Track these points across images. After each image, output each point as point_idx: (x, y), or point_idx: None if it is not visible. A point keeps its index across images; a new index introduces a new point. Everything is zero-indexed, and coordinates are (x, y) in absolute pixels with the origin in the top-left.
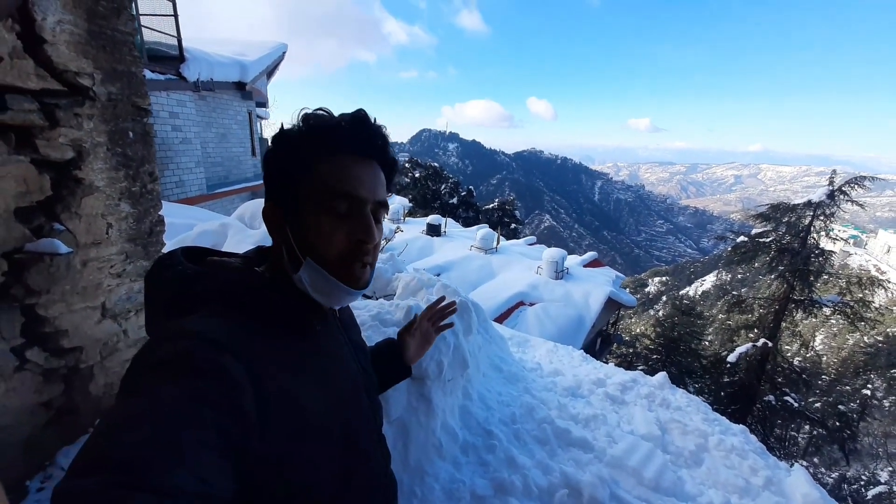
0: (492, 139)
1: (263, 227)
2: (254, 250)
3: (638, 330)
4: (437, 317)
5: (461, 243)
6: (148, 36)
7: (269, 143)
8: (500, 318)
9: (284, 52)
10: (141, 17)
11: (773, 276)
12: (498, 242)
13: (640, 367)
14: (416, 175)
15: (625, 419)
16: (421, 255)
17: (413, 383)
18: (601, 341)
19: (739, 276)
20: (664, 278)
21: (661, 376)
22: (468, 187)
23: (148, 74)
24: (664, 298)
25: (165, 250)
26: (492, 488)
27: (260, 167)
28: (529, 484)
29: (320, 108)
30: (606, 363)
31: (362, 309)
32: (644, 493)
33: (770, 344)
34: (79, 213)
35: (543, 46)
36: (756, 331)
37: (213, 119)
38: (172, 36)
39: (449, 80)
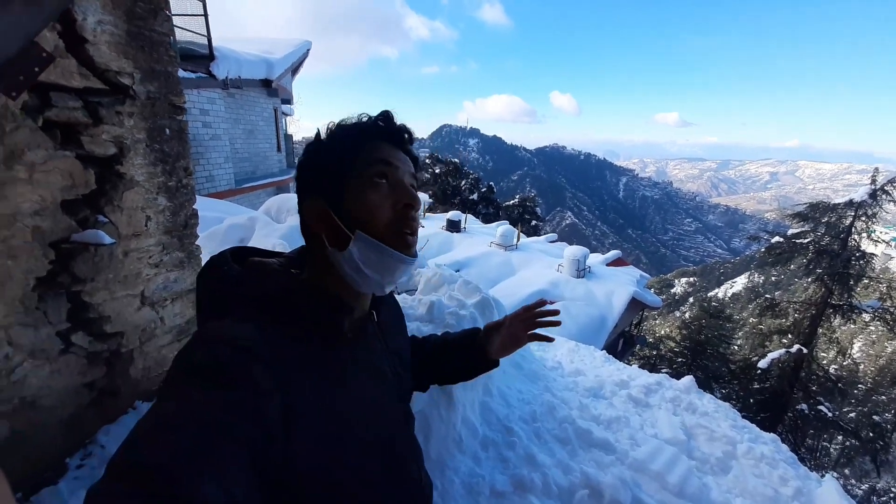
0: (513, 135)
1: (289, 221)
2: (296, 251)
3: (663, 332)
4: (532, 321)
5: (481, 240)
6: (180, 35)
7: (310, 143)
8: None
9: (308, 50)
10: (173, 17)
11: (810, 279)
12: (518, 239)
13: (663, 370)
14: (437, 171)
15: (648, 422)
16: (441, 250)
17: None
18: (624, 342)
19: (773, 278)
20: (692, 279)
21: (688, 380)
22: (489, 183)
23: (180, 73)
24: (691, 300)
25: (199, 242)
26: (511, 485)
27: (284, 163)
28: (549, 483)
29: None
30: (629, 365)
31: None
32: (667, 498)
33: (805, 350)
34: (121, 206)
35: (567, 39)
36: (790, 336)
37: (240, 116)
38: (203, 35)
39: (470, 75)
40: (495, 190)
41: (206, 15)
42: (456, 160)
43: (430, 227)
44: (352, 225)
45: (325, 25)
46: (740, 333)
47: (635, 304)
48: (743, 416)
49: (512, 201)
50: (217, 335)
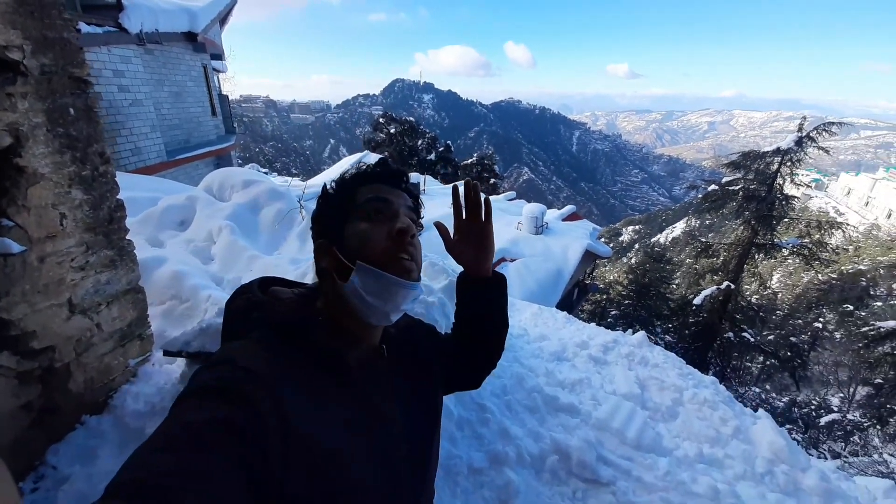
0: (468, 89)
1: (234, 199)
2: (317, 283)
3: (612, 277)
4: (472, 208)
5: (441, 201)
6: None
7: (319, 196)
8: None
9: None
10: None
11: (738, 222)
12: None
13: (612, 312)
14: (392, 131)
15: (607, 379)
16: None
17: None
18: (578, 291)
19: (707, 222)
20: (637, 227)
21: (641, 335)
22: (446, 142)
23: (84, 28)
24: (637, 247)
25: (131, 226)
26: (487, 460)
27: (222, 128)
28: (522, 453)
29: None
30: (582, 311)
31: None
32: (627, 452)
33: (732, 286)
34: (26, 206)
35: None
36: (720, 274)
37: (164, 76)
38: None
39: (421, 24)
40: (453, 149)
41: None
42: (411, 118)
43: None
44: (352, 257)
45: None
46: (678, 274)
47: (589, 256)
48: (679, 347)
49: (470, 160)
50: (223, 356)
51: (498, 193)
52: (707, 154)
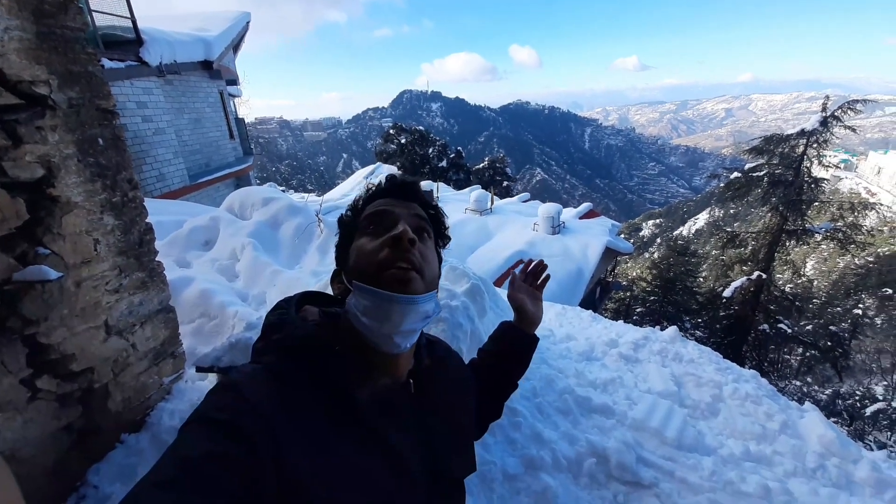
0: (476, 94)
1: (255, 217)
2: None
3: (634, 274)
4: (532, 277)
5: (455, 207)
6: (100, 21)
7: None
8: (501, 279)
9: (248, 22)
10: (89, 0)
11: (766, 209)
12: (492, 203)
13: (637, 310)
14: (402, 141)
15: (640, 378)
16: None
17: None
18: (601, 290)
19: (732, 211)
20: (658, 221)
21: (672, 330)
22: (456, 148)
23: (107, 63)
24: (658, 241)
25: (160, 248)
26: (522, 465)
27: (240, 150)
28: (558, 457)
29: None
30: (605, 310)
31: None
32: (668, 452)
33: (764, 276)
34: (62, 234)
35: None
36: (750, 264)
37: (183, 104)
38: (126, 17)
39: (425, 35)
40: (464, 154)
41: None
42: (420, 128)
43: None
44: (350, 276)
45: None
46: (705, 266)
47: (609, 253)
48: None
49: (482, 164)
50: (231, 382)
51: (511, 196)
52: (726, 142)
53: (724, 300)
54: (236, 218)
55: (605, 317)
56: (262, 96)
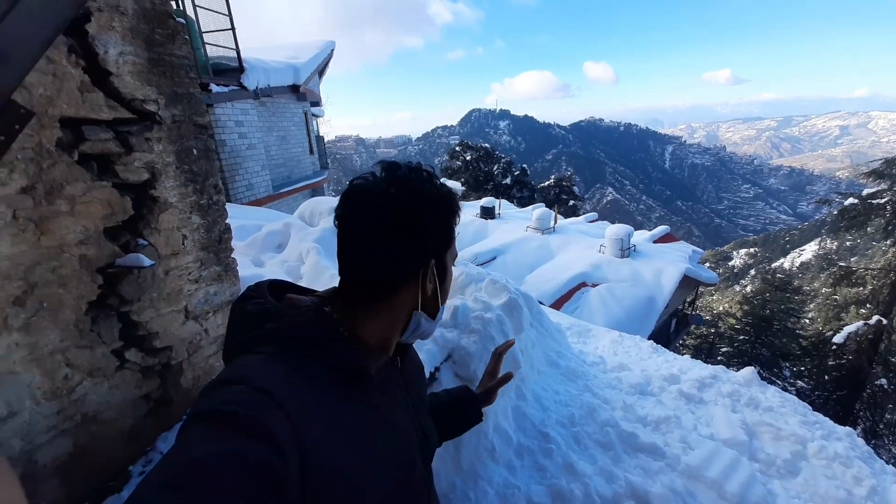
0: (546, 112)
1: (321, 224)
2: (329, 291)
3: (721, 308)
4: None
5: (516, 225)
6: (211, 52)
7: (442, 201)
8: (560, 302)
9: (333, 50)
10: (203, 34)
11: (888, 243)
12: (555, 221)
13: (723, 349)
14: (467, 158)
15: (703, 421)
16: (476, 238)
17: (464, 384)
18: (677, 322)
19: (848, 243)
20: (752, 250)
21: (749, 371)
22: (522, 166)
23: (214, 88)
24: (752, 272)
25: (240, 249)
26: (549, 496)
27: (318, 164)
28: (591, 493)
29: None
30: (683, 345)
31: None
32: None
33: (884, 321)
34: (158, 229)
35: (597, 2)
36: (868, 306)
37: (273, 123)
38: (232, 49)
39: (497, 55)
40: (529, 172)
41: (233, 29)
42: (486, 145)
43: (463, 215)
44: (439, 301)
45: (349, 22)
46: (812, 306)
47: (688, 282)
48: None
49: (547, 182)
50: (234, 374)
51: (578, 216)
52: (841, 163)
53: (835, 347)
54: (306, 224)
55: (683, 353)
56: (343, 116)
